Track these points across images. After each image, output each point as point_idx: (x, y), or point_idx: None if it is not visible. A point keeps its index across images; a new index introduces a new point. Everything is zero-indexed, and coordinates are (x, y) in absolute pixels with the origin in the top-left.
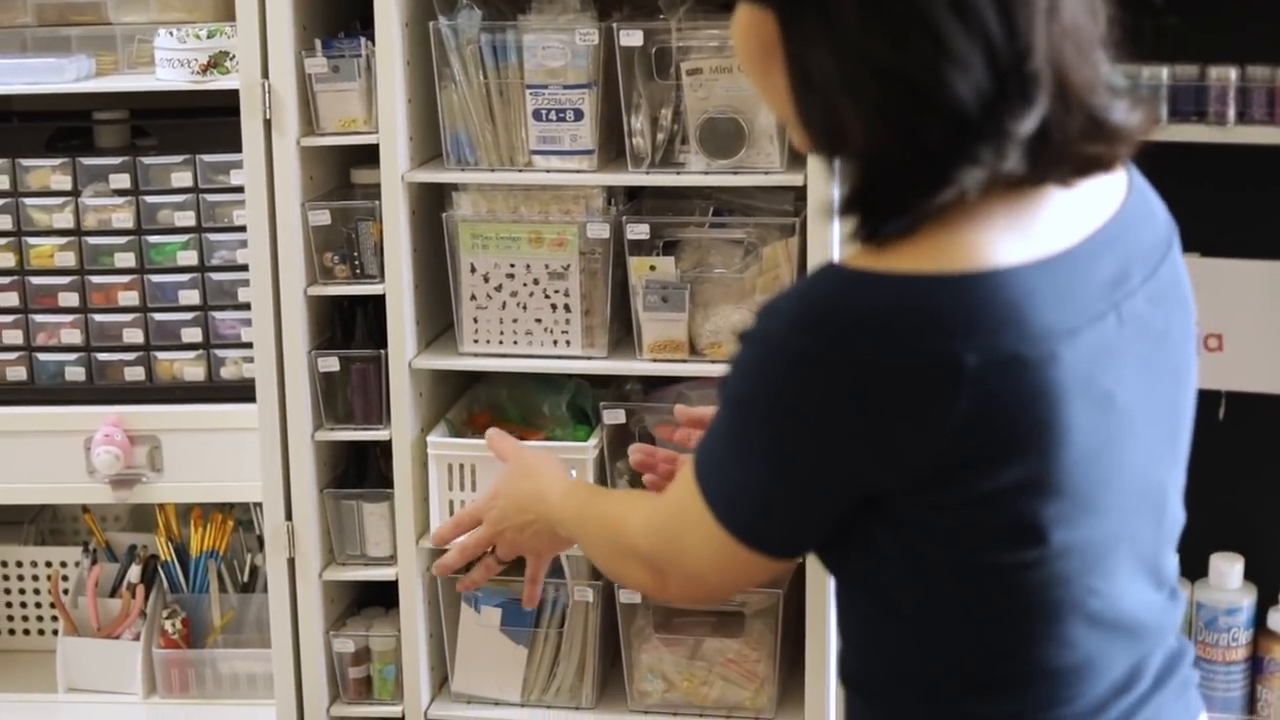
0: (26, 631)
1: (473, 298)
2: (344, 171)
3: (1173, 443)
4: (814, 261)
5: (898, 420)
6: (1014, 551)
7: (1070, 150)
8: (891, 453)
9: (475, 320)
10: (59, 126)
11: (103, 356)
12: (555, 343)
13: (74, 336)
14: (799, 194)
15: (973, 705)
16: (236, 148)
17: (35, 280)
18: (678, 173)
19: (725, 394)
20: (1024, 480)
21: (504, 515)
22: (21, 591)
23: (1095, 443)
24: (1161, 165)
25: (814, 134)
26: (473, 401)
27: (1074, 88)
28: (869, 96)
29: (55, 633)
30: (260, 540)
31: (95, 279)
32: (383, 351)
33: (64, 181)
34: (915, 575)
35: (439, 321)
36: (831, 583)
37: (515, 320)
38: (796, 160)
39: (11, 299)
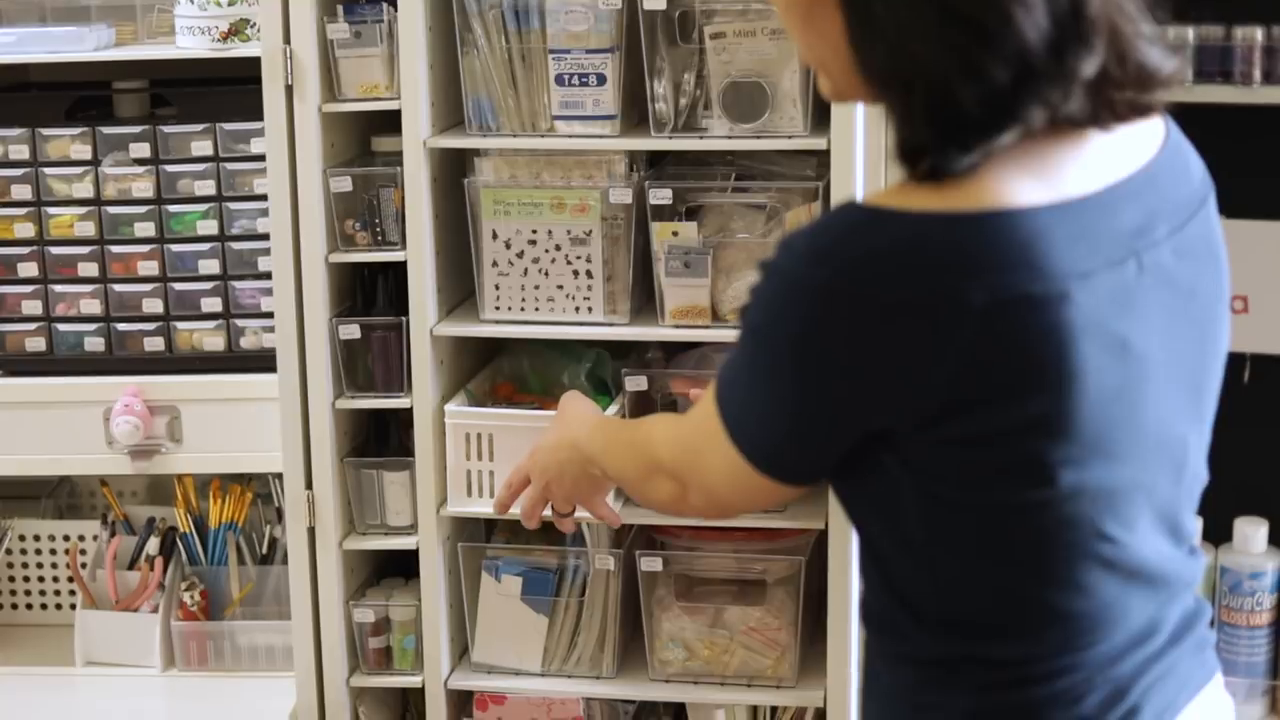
0: (44, 606)
1: (494, 264)
2: (365, 139)
3: (1196, 399)
4: None
5: (903, 356)
6: (1022, 491)
7: (1118, 95)
8: (897, 388)
9: (497, 287)
10: (79, 96)
11: (122, 327)
12: (577, 309)
13: (93, 307)
14: (821, 158)
15: (987, 646)
16: (257, 116)
17: (54, 250)
18: (700, 137)
19: (745, 321)
20: (1032, 420)
21: (544, 467)
22: (40, 566)
23: (1108, 387)
24: (1186, 126)
25: (877, 80)
26: (495, 372)
27: (1123, 35)
28: (938, 39)
29: (74, 607)
30: (279, 512)
31: (115, 249)
32: (404, 319)
33: (84, 151)
34: (927, 511)
35: (460, 289)
36: (854, 543)
37: (537, 287)
38: (820, 124)
39: (31, 269)
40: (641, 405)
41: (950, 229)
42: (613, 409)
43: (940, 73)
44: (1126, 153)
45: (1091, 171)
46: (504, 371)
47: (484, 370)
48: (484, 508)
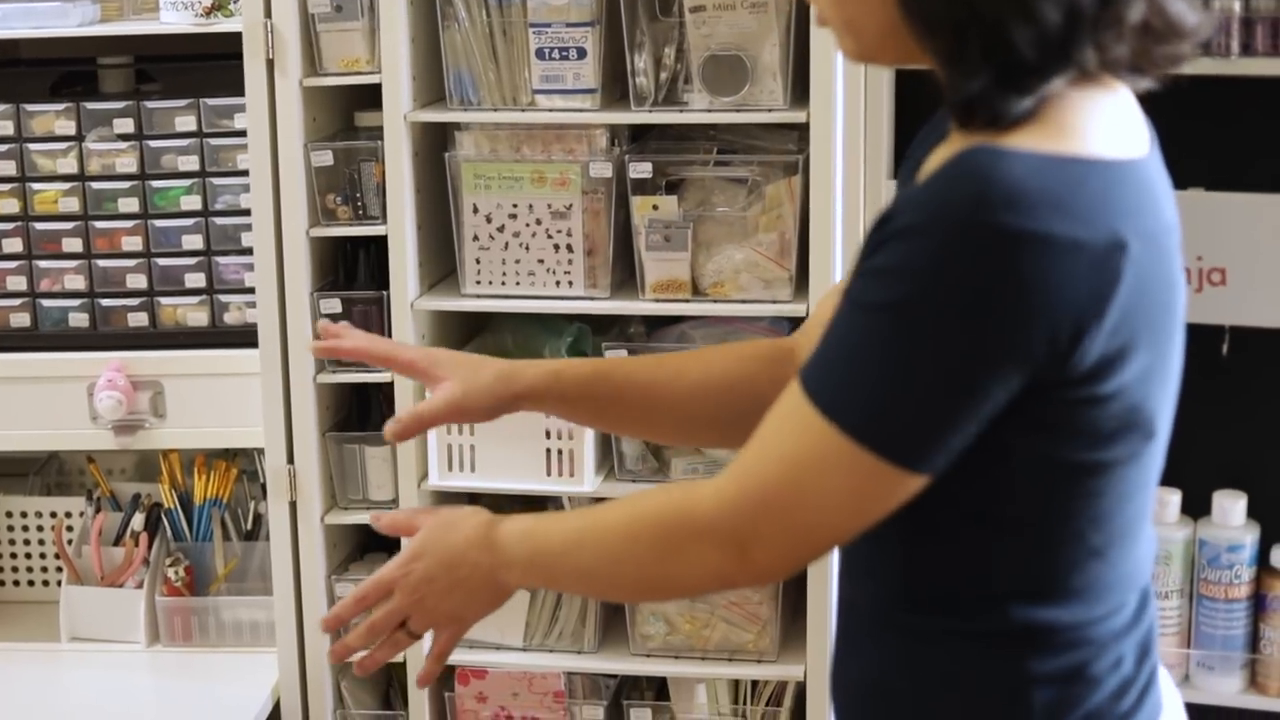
0: (31, 583)
1: (475, 238)
2: (347, 114)
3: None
4: (817, 200)
5: (1074, 300)
6: (1131, 444)
7: (1155, 47)
8: (1067, 337)
9: (478, 261)
10: (63, 71)
11: (106, 302)
12: (558, 283)
13: (78, 282)
14: (802, 132)
15: (1053, 612)
16: (240, 91)
17: (39, 226)
18: (680, 111)
19: (867, 301)
20: (1151, 367)
21: (428, 577)
22: (27, 542)
23: (1181, 336)
24: (1163, 98)
25: (927, 27)
26: (479, 348)
27: None
28: None
29: (59, 583)
30: (263, 488)
31: (99, 224)
32: (385, 293)
33: (68, 126)
34: (1034, 476)
35: (442, 264)
36: None
37: (518, 261)
38: (799, 97)
39: (15, 245)
40: None
41: (1095, 172)
42: None
43: (994, 14)
44: (1141, 121)
45: (1138, 133)
46: (487, 347)
47: (467, 346)
48: (466, 481)
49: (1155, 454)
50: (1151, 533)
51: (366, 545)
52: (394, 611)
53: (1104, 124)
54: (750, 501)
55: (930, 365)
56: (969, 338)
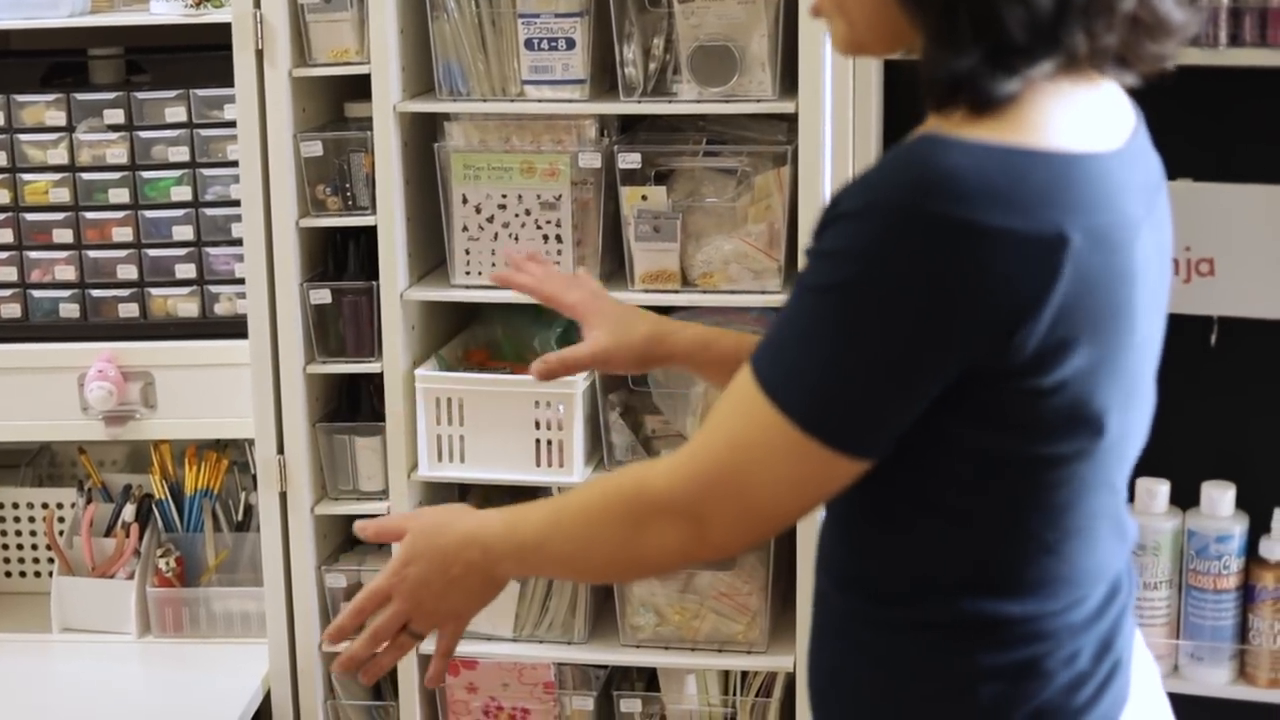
0: (23, 574)
1: (465, 229)
2: (337, 105)
3: (1157, 355)
4: (806, 191)
5: (1008, 293)
6: (1077, 440)
7: (1141, 41)
8: (1000, 328)
9: (467, 252)
10: (53, 62)
11: (97, 293)
12: None
13: (68, 273)
14: (791, 123)
15: (1003, 606)
16: (230, 82)
17: (29, 217)
18: (669, 101)
19: (811, 282)
20: (1098, 363)
21: (423, 580)
22: (18, 534)
23: (1145, 333)
24: (1152, 89)
25: (918, 4)
26: (469, 339)
27: None
28: None
29: (51, 574)
30: (254, 479)
31: (89, 215)
32: (375, 283)
33: (58, 117)
34: (976, 466)
35: (432, 255)
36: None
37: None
38: (788, 88)
39: (6, 236)
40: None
41: (1045, 165)
42: (582, 374)
43: (988, 5)
44: (1123, 115)
45: (1113, 127)
46: (477, 338)
47: (458, 337)
48: (455, 472)
49: (1108, 451)
50: (1126, 527)
51: (356, 536)
52: (394, 616)
53: (1068, 117)
54: (700, 481)
55: (868, 350)
56: (905, 323)
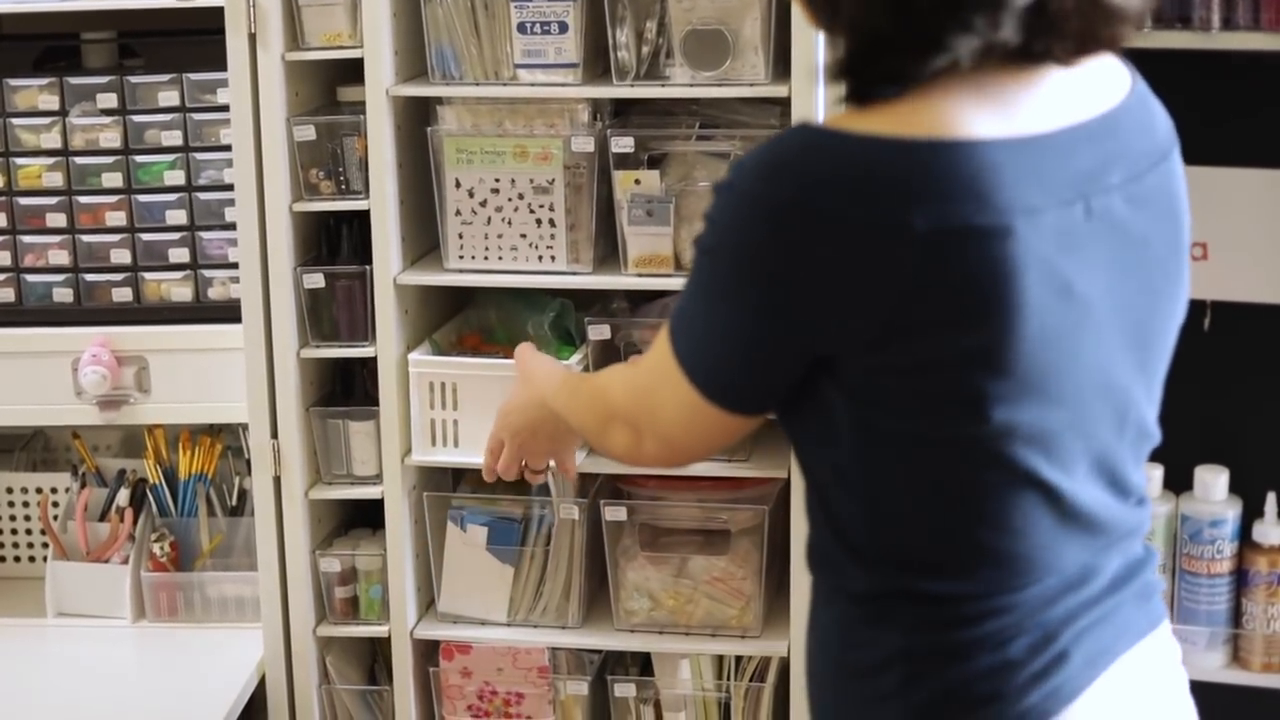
0: (17, 558)
1: (458, 213)
2: (330, 89)
3: (1142, 351)
4: None
5: (849, 277)
6: (954, 425)
7: (1067, 25)
8: (841, 309)
9: (460, 236)
10: (46, 46)
11: (90, 277)
12: (540, 258)
13: (61, 258)
14: (784, 107)
15: (920, 583)
16: (223, 66)
17: (23, 201)
18: (662, 85)
19: (698, 247)
20: (969, 353)
21: (516, 428)
22: (12, 518)
23: (1049, 327)
24: (1145, 72)
25: (818, 13)
26: (462, 323)
27: None
28: None
29: (45, 559)
30: (248, 464)
31: (83, 199)
32: (368, 268)
33: (51, 101)
34: (862, 442)
35: (425, 239)
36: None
37: (500, 236)
38: (781, 72)
39: None
40: (606, 355)
41: (901, 154)
42: (576, 359)
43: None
44: (1088, 96)
45: (1049, 110)
46: (471, 323)
47: (451, 321)
48: (449, 457)
49: (1005, 442)
50: (1088, 522)
51: (350, 520)
52: (510, 456)
53: (966, 103)
54: (629, 398)
55: (721, 311)
56: (749, 298)
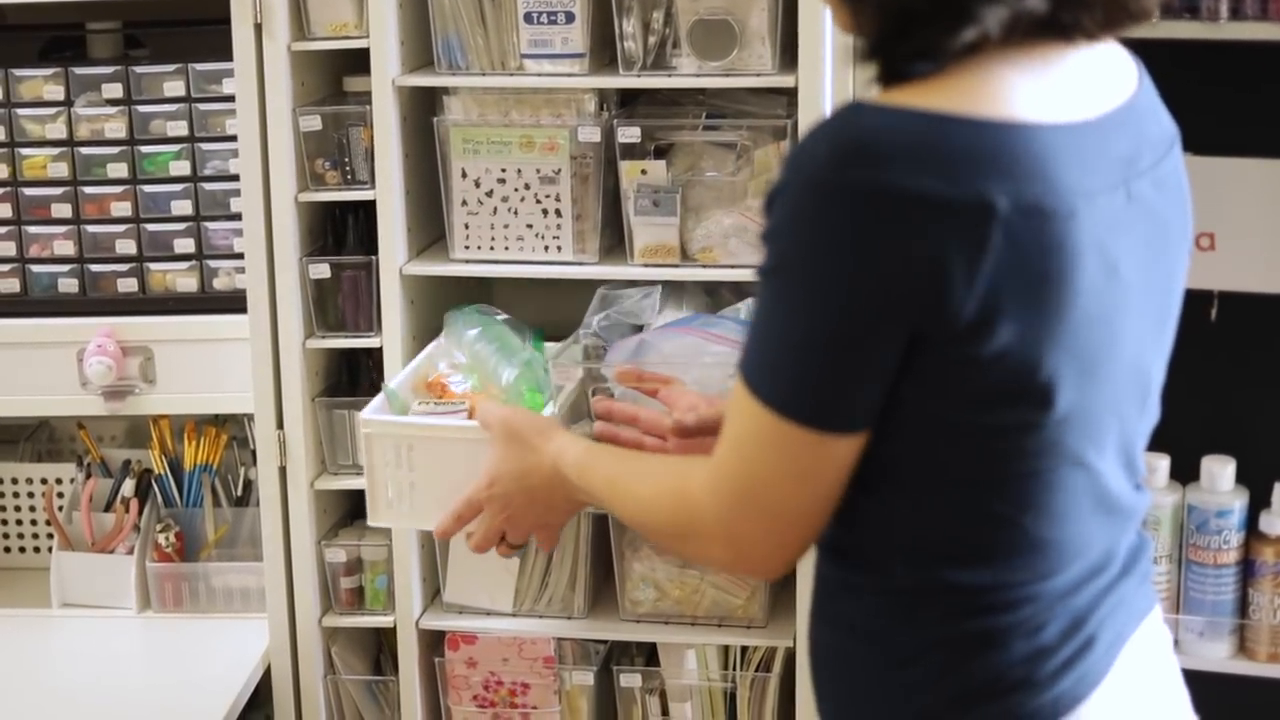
0: (22, 549)
1: (464, 203)
2: (336, 79)
3: (1161, 332)
4: None
5: (937, 262)
6: (1021, 412)
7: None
8: (932, 297)
9: (466, 226)
10: (51, 36)
11: (96, 268)
12: (546, 248)
13: (67, 248)
14: (791, 97)
15: (958, 574)
16: (229, 56)
17: (28, 192)
18: (669, 75)
19: (762, 271)
20: (1039, 334)
21: (506, 498)
22: (17, 509)
23: (1100, 308)
24: (1153, 62)
25: None
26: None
27: None
28: None
29: (51, 550)
30: (254, 454)
31: (88, 190)
32: (374, 258)
33: (57, 92)
34: (924, 434)
35: (431, 229)
36: None
37: (506, 226)
38: (788, 62)
39: (4, 211)
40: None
41: (970, 131)
42: (549, 410)
43: None
44: (1110, 84)
45: (1087, 96)
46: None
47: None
48: (475, 534)
49: (1064, 426)
50: (1115, 505)
51: (356, 510)
52: (489, 529)
53: (1015, 87)
54: (724, 493)
55: (815, 325)
56: (840, 294)
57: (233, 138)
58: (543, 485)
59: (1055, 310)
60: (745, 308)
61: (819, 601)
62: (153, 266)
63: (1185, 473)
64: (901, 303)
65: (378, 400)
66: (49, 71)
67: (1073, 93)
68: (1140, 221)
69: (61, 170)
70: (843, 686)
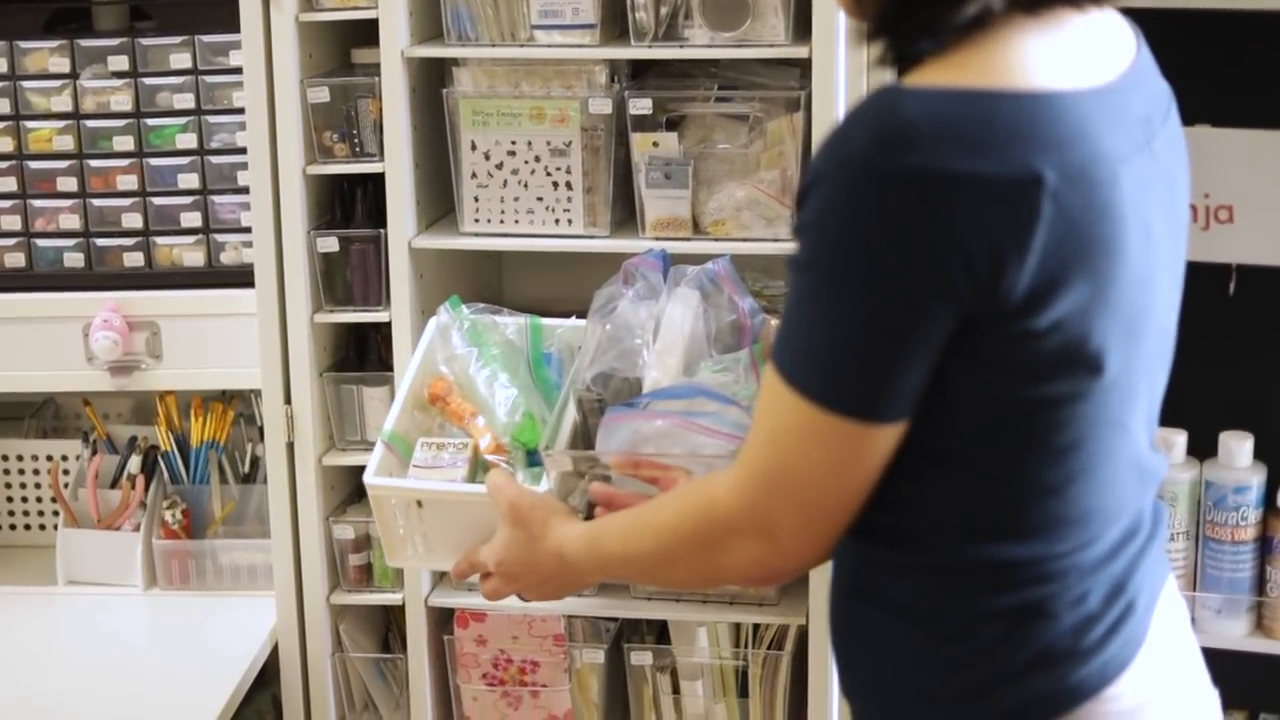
0: (28, 526)
1: (473, 176)
2: (344, 51)
3: (1175, 288)
4: (819, 137)
5: (989, 239)
6: (1075, 382)
7: None
8: (985, 275)
9: (476, 199)
10: (57, 8)
11: (101, 242)
12: (557, 221)
13: (73, 222)
14: (804, 68)
15: (1007, 548)
16: (236, 28)
17: (33, 165)
18: (681, 46)
19: (800, 261)
20: (1091, 302)
21: (516, 577)
22: (23, 486)
23: (1141, 269)
24: (1170, 33)
25: None
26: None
27: None
28: None
29: (56, 527)
30: (261, 431)
31: (94, 163)
32: (382, 231)
33: (62, 64)
34: (977, 410)
35: (441, 202)
36: None
37: (517, 199)
38: (801, 33)
39: (10, 184)
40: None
41: (1011, 105)
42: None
43: None
44: (1118, 47)
45: (1099, 61)
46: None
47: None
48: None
49: (1111, 390)
50: (1147, 467)
51: (364, 487)
52: (498, 590)
53: (1035, 56)
54: (755, 488)
55: (861, 314)
56: (889, 281)
57: (240, 110)
58: (550, 573)
59: (1107, 276)
60: (736, 411)
61: (850, 581)
62: (159, 240)
63: (1203, 449)
64: (955, 285)
65: (378, 451)
66: (54, 44)
67: (1089, 58)
68: (1160, 180)
69: (67, 143)
70: (881, 664)
